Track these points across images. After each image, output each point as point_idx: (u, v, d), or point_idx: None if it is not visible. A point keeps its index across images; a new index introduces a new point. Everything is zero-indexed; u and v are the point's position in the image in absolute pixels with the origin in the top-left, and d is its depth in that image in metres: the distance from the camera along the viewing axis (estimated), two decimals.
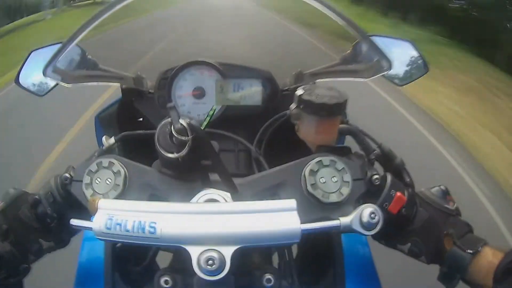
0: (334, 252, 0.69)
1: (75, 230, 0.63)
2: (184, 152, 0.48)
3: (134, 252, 0.72)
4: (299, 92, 0.58)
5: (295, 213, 0.46)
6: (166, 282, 0.52)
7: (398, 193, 0.55)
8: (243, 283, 0.51)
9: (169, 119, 0.50)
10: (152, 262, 0.71)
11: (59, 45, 0.74)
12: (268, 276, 0.52)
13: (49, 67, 0.70)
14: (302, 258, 0.77)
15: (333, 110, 0.57)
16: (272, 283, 0.52)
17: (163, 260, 0.67)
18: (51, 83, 0.75)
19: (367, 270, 0.74)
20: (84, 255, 0.78)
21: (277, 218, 0.46)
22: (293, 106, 0.60)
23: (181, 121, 0.48)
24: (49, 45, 0.79)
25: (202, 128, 0.58)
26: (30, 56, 0.79)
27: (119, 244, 0.72)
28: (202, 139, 0.49)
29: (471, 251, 0.53)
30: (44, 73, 0.70)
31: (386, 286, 0.73)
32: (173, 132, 0.48)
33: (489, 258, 0.52)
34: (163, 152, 0.50)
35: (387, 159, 0.64)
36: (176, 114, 0.48)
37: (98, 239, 0.73)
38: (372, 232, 0.51)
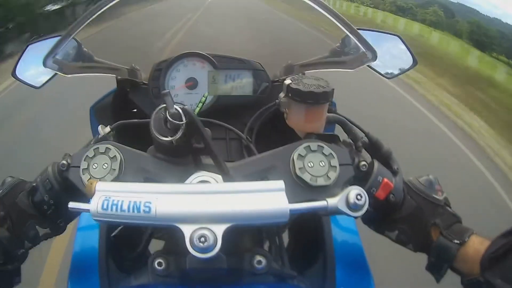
0: (324, 239, 0.71)
1: (71, 217, 0.65)
2: (178, 135, 0.50)
3: (127, 239, 0.74)
4: (288, 81, 0.61)
5: (283, 193, 0.48)
6: (159, 264, 0.54)
7: (385, 179, 0.57)
8: (234, 263, 0.53)
9: (163, 105, 0.52)
10: (145, 249, 0.73)
11: (55, 39, 0.76)
12: (259, 258, 0.54)
13: (49, 58, 0.72)
14: (292, 245, 0.79)
15: (320, 98, 0.59)
16: (262, 264, 0.54)
17: (156, 248, 0.68)
18: (48, 75, 0.77)
19: (357, 256, 0.76)
20: (78, 245, 0.79)
21: (266, 198, 0.48)
22: (282, 94, 0.62)
23: (176, 106, 0.50)
24: (45, 39, 0.81)
25: (195, 112, 0.60)
26: (27, 49, 0.81)
27: (114, 233, 0.74)
28: (196, 123, 0.51)
29: (457, 241, 0.54)
30: (44, 64, 0.72)
31: (376, 273, 0.75)
32: (168, 117, 0.50)
33: (476, 246, 0.53)
34: (158, 136, 0.52)
35: (375, 148, 0.66)
36: (170, 100, 0.51)
37: (92, 228, 0.75)
38: (359, 214, 0.52)
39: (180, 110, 0.50)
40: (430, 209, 0.58)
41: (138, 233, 0.73)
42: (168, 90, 0.52)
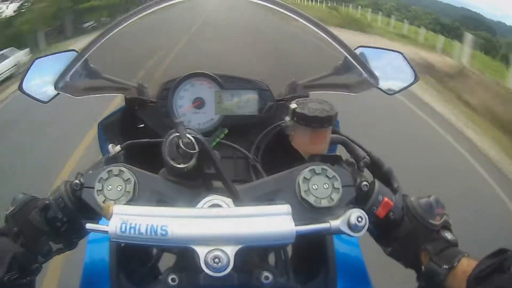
0: (326, 253, 0.74)
1: (84, 233, 0.67)
2: (191, 163, 0.54)
3: (138, 253, 0.76)
4: (293, 105, 0.64)
5: (290, 217, 0.52)
6: (173, 279, 0.56)
7: (385, 199, 0.60)
8: (244, 280, 0.57)
9: (176, 134, 0.54)
10: (157, 263, 0.76)
11: (61, 54, 0.78)
12: (266, 273, 0.57)
13: (61, 81, 0.74)
14: (296, 259, 0.82)
15: (325, 122, 0.62)
16: (269, 280, 0.57)
17: (166, 261, 0.71)
18: (55, 90, 0.78)
19: (358, 269, 0.79)
20: (89, 257, 0.81)
21: (274, 221, 0.52)
22: (287, 118, 0.65)
23: (189, 135, 0.53)
24: (51, 54, 0.83)
25: (211, 146, 0.63)
26: (34, 64, 0.82)
27: (123, 245, 0.76)
28: (208, 152, 0.54)
29: (446, 266, 0.56)
30: (56, 87, 0.74)
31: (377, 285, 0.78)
32: (181, 145, 0.53)
33: (464, 268, 0.55)
34: (171, 162, 0.55)
35: (376, 166, 0.69)
36: (183, 130, 0.54)
37: (101, 240, 0.77)
38: (359, 234, 0.56)
39: (193, 140, 0.53)
40: (423, 234, 0.60)
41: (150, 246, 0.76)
42: (181, 120, 0.55)
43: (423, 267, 0.59)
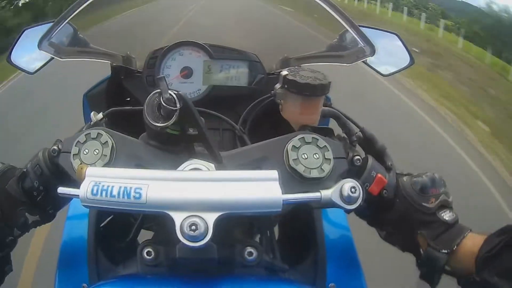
0: (315, 234, 0.71)
1: (61, 204, 0.64)
2: (172, 121, 0.50)
3: (116, 230, 0.73)
4: (284, 72, 0.61)
5: (277, 183, 0.48)
6: (148, 253, 0.53)
7: (379, 175, 0.57)
8: (225, 254, 0.53)
9: (158, 90, 0.51)
10: (135, 239, 0.72)
11: (50, 24, 0.75)
12: (250, 249, 0.54)
13: (44, 41, 0.71)
14: (283, 239, 0.79)
15: (317, 90, 0.59)
16: (253, 256, 0.53)
17: (145, 239, 0.68)
18: (42, 60, 0.77)
19: (348, 251, 0.76)
20: (67, 234, 0.79)
21: (259, 187, 0.48)
22: (278, 85, 0.62)
23: (170, 91, 0.50)
24: (41, 24, 0.80)
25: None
26: (23, 34, 0.80)
27: (103, 224, 0.72)
28: (190, 109, 0.50)
29: (445, 251, 0.54)
30: (39, 46, 0.72)
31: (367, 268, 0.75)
32: (162, 102, 0.49)
33: (469, 248, 0.53)
34: (151, 121, 0.51)
35: (369, 143, 0.65)
36: (165, 85, 0.50)
37: (81, 217, 0.74)
38: (352, 207, 0.51)
39: (175, 95, 0.49)
40: (417, 217, 0.57)
41: (128, 223, 0.73)
42: (163, 75, 0.51)
43: (421, 252, 0.56)
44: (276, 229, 0.76)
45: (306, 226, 0.73)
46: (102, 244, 0.70)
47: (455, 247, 0.54)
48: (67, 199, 0.63)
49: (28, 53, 0.78)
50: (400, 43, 0.82)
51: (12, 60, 0.79)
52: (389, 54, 0.82)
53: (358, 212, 0.62)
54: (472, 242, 0.53)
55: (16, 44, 0.79)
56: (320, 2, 0.69)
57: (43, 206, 0.61)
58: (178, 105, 0.50)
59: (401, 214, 0.58)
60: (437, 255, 0.54)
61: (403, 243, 0.59)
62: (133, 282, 0.56)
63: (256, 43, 0.88)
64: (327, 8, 0.69)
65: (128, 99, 0.85)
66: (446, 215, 0.57)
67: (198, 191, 0.47)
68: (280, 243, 0.73)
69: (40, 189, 0.60)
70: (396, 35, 0.83)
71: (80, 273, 0.67)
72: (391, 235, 0.60)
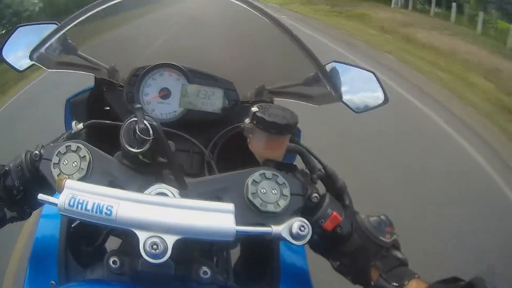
0: (272, 259, 0.76)
1: (38, 205, 0.69)
2: (145, 149, 0.55)
3: (87, 233, 0.77)
4: (255, 109, 0.65)
5: (232, 215, 0.54)
6: (114, 262, 0.58)
7: (335, 213, 0.61)
8: (181, 271, 0.58)
9: (135, 118, 0.56)
10: (103, 245, 0.77)
11: (45, 26, 0.78)
12: (205, 268, 0.59)
13: (37, 52, 0.74)
14: (243, 262, 0.84)
15: (282, 130, 0.63)
16: (208, 275, 0.59)
17: (113, 245, 0.70)
18: (31, 61, 0.79)
19: (302, 279, 0.81)
20: (41, 231, 0.82)
21: (216, 217, 0.54)
22: (247, 120, 0.66)
23: (145, 122, 0.55)
24: (35, 24, 0.83)
25: None
26: (16, 31, 0.83)
27: (74, 224, 0.76)
28: (162, 140, 0.55)
29: (396, 284, 0.56)
30: (31, 58, 0.75)
31: None
32: (137, 131, 0.55)
33: None
34: (126, 146, 0.56)
35: (330, 180, 0.70)
36: (141, 115, 0.55)
37: (55, 216, 0.78)
38: (300, 243, 0.57)
39: (149, 126, 0.55)
40: (373, 250, 0.60)
41: (98, 228, 0.76)
42: (140, 105, 0.57)
43: (372, 284, 0.60)
44: (237, 249, 0.81)
45: (264, 250, 0.78)
46: (73, 245, 0.74)
47: (406, 283, 0.56)
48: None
49: (19, 51, 0.80)
50: (375, 81, 0.85)
51: (3, 55, 0.81)
52: (364, 91, 0.85)
53: (313, 244, 0.66)
54: (417, 285, 0.55)
55: (9, 40, 0.82)
56: (294, 43, 0.73)
57: (21, 204, 0.66)
58: (151, 135, 0.55)
59: (357, 247, 0.61)
60: (388, 287, 0.57)
61: (355, 274, 0.62)
62: (98, 287, 0.61)
63: (233, 70, 0.91)
64: (301, 50, 0.73)
65: (108, 108, 0.89)
66: (399, 254, 0.61)
67: (161, 215, 0.53)
68: (238, 263, 0.79)
69: (20, 189, 0.64)
70: (373, 73, 0.86)
71: (50, 271, 0.71)
72: (345, 266, 0.63)
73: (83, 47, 0.88)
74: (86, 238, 0.77)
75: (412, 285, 0.56)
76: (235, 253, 0.85)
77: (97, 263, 0.64)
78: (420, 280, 0.57)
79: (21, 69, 0.81)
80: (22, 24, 0.84)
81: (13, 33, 0.82)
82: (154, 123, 0.56)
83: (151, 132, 0.55)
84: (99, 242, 0.76)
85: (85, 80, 0.91)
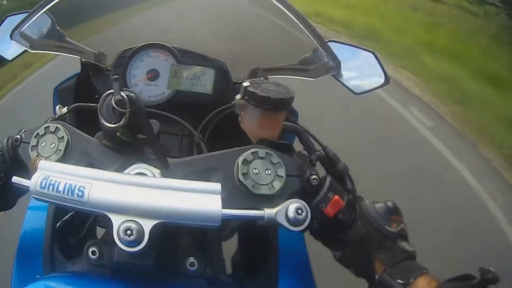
0: (270, 247, 0.70)
1: (20, 193, 0.65)
2: (122, 123, 0.49)
3: (74, 225, 0.74)
4: (246, 83, 0.59)
5: (218, 196, 0.47)
6: (93, 252, 0.53)
7: (336, 197, 0.55)
8: (162, 262, 0.52)
9: (111, 91, 0.50)
10: (89, 235, 0.72)
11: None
12: (192, 259, 0.53)
13: (16, 31, 0.72)
14: (241, 253, 0.79)
15: (277, 105, 0.57)
16: (195, 267, 0.53)
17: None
18: (20, 49, 0.78)
19: (302, 269, 0.75)
20: (27, 224, 0.79)
21: (200, 199, 0.47)
22: (238, 96, 0.60)
23: (122, 93, 0.49)
24: (25, 12, 0.81)
25: None
26: (6, 20, 0.81)
27: (63, 219, 0.73)
28: (140, 112, 0.50)
29: (401, 281, 0.51)
30: (11, 37, 0.73)
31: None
32: (113, 103, 0.49)
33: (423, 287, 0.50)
34: (103, 121, 0.51)
35: (330, 163, 0.63)
36: (118, 86, 0.49)
37: (42, 208, 0.75)
38: (297, 229, 0.50)
39: (126, 97, 0.49)
40: (377, 240, 0.55)
41: (86, 219, 0.73)
42: (118, 76, 0.51)
43: (376, 277, 0.54)
44: (234, 242, 0.76)
45: (263, 239, 0.72)
46: (59, 238, 0.71)
47: (412, 280, 0.51)
48: (26, 188, 0.65)
49: (8, 40, 0.78)
50: (375, 61, 0.80)
51: None
52: (364, 71, 0.80)
53: (313, 231, 0.60)
54: (427, 283, 0.51)
55: None
56: (294, 17, 0.68)
57: (4, 193, 0.63)
58: (128, 108, 0.49)
59: (361, 236, 0.56)
60: (392, 283, 0.52)
61: (358, 265, 0.58)
62: (75, 280, 0.57)
63: (226, 50, 0.86)
64: (300, 24, 0.68)
65: (96, 96, 0.85)
66: (406, 245, 0.55)
67: (137, 197, 0.47)
68: (237, 253, 0.73)
69: (1, 176, 0.61)
70: (373, 53, 0.80)
71: (36, 264, 0.68)
72: (347, 257, 0.58)
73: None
74: (74, 231, 0.73)
75: (419, 282, 0.51)
76: (233, 245, 0.80)
77: (80, 255, 0.59)
78: (429, 275, 0.52)
79: (10, 58, 0.80)
80: (11, 14, 0.82)
81: (2, 22, 0.81)
82: (132, 94, 0.50)
83: (128, 104, 0.49)
84: (84, 234, 0.72)
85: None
